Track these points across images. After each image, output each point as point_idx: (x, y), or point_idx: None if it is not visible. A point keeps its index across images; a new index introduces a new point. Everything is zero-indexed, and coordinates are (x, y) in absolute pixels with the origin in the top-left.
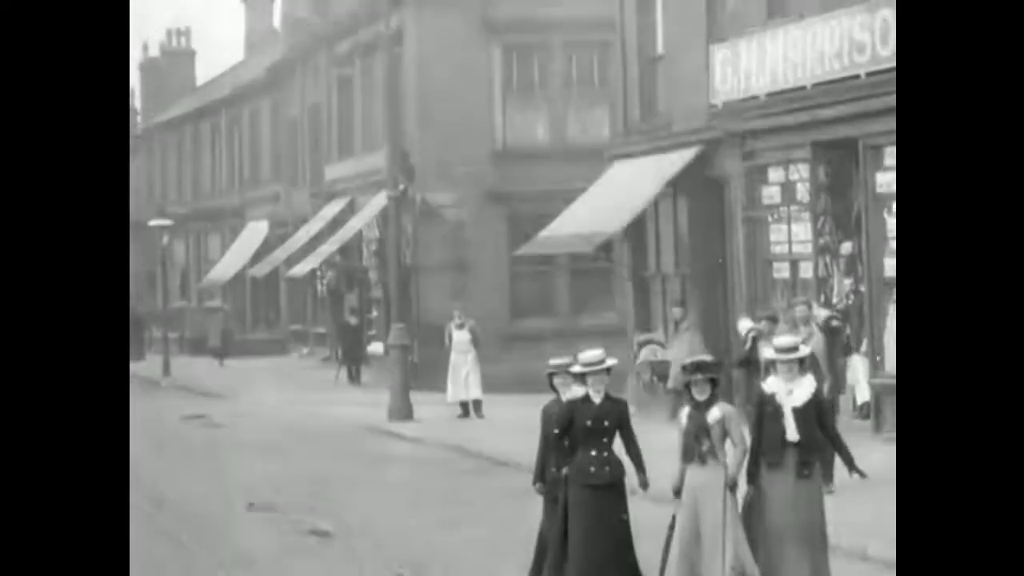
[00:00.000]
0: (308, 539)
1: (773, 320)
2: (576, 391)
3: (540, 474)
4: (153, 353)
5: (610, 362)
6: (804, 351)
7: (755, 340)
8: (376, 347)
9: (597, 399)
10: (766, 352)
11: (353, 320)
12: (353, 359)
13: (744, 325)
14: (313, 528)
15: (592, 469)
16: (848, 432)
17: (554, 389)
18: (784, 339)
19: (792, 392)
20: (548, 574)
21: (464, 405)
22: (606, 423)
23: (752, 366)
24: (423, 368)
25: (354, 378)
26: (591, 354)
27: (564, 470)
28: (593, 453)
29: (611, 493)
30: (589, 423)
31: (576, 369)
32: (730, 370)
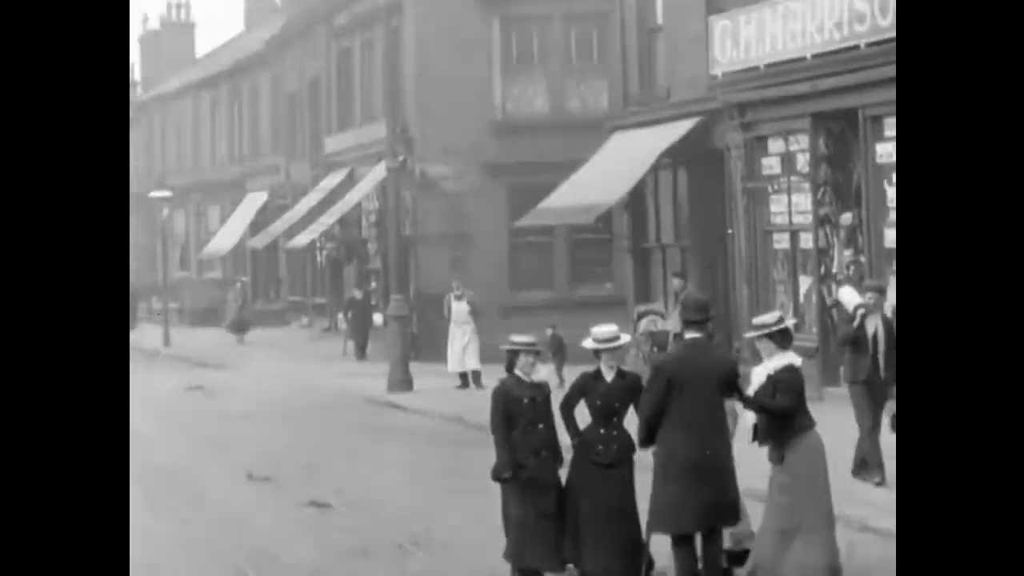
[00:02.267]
0: (307, 510)
1: (881, 291)
2: (541, 372)
3: (510, 462)
4: (151, 323)
5: (624, 339)
6: (780, 325)
7: (863, 317)
8: (376, 318)
9: (609, 377)
10: (871, 327)
11: (358, 294)
12: (359, 333)
13: (846, 295)
14: (312, 499)
15: (600, 447)
16: (849, 404)
17: (510, 369)
18: (763, 316)
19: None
20: (566, 545)
21: (463, 376)
22: (616, 403)
23: (860, 344)
24: (422, 339)
25: (361, 353)
26: (605, 330)
27: (573, 443)
28: (602, 431)
29: (618, 471)
30: (599, 401)
31: (589, 345)
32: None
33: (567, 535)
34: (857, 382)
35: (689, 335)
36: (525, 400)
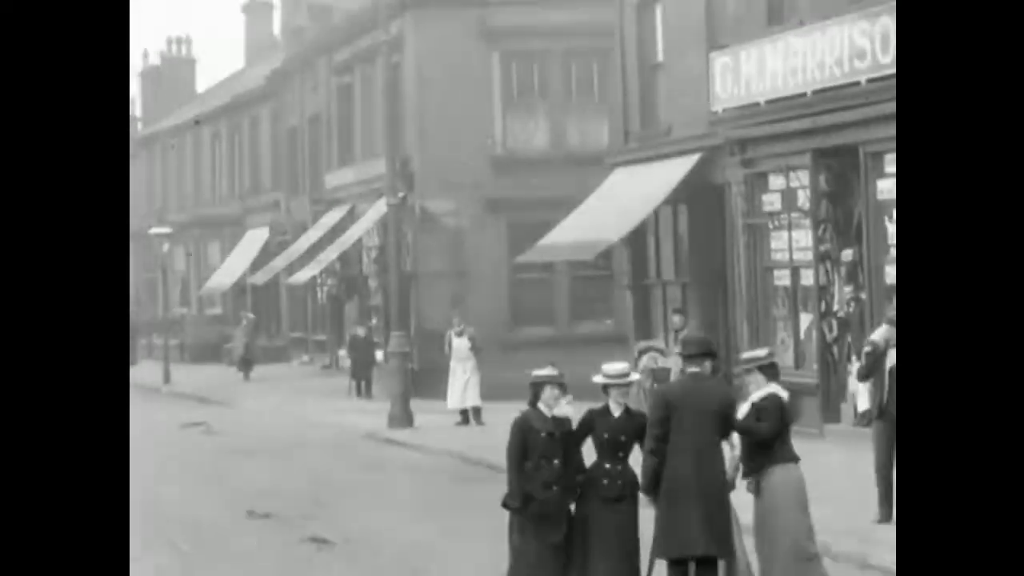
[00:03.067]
0: (308, 547)
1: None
2: (565, 408)
3: (520, 493)
4: (151, 360)
5: (633, 376)
6: (769, 359)
7: (867, 355)
8: (377, 355)
9: (617, 412)
10: (889, 361)
11: (361, 331)
12: (363, 372)
13: (880, 332)
14: (313, 536)
15: (605, 482)
16: (850, 440)
17: (533, 403)
18: (753, 351)
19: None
20: None
21: (464, 413)
22: (622, 438)
23: (877, 380)
24: (423, 375)
25: (364, 392)
26: (616, 367)
27: (578, 477)
28: (607, 465)
29: (623, 506)
30: (606, 435)
31: (600, 380)
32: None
33: (574, 569)
34: (876, 418)
35: (690, 369)
36: (543, 434)
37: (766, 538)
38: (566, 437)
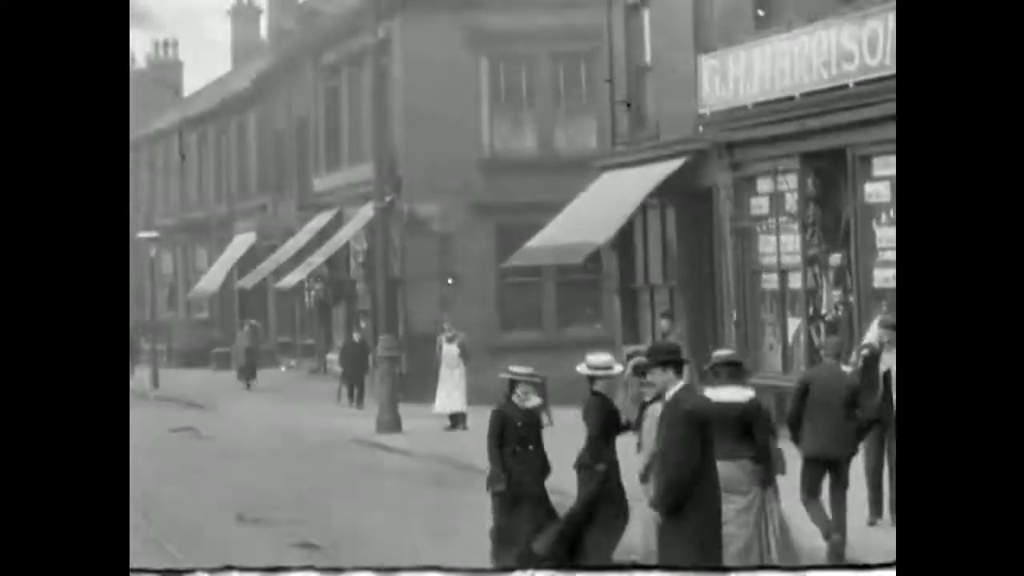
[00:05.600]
0: (297, 551)
1: (893, 328)
2: (535, 400)
3: (501, 475)
4: (139, 364)
5: (618, 369)
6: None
7: (866, 358)
8: (370, 360)
9: (615, 400)
10: (886, 365)
11: (356, 337)
12: (356, 378)
13: (870, 334)
14: (302, 540)
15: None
16: None
17: (509, 396)
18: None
19: None
20: (552, 540)
21: (452, 417)
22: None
23: (871, 384)
24: (412, 380)
25: (356, 399)
26: (601, 358)
27: (599, 466)
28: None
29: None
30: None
31: (584, 371)
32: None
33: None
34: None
35: (681, 384)
36: (519, 424)
37: None
38: (538, 424)
